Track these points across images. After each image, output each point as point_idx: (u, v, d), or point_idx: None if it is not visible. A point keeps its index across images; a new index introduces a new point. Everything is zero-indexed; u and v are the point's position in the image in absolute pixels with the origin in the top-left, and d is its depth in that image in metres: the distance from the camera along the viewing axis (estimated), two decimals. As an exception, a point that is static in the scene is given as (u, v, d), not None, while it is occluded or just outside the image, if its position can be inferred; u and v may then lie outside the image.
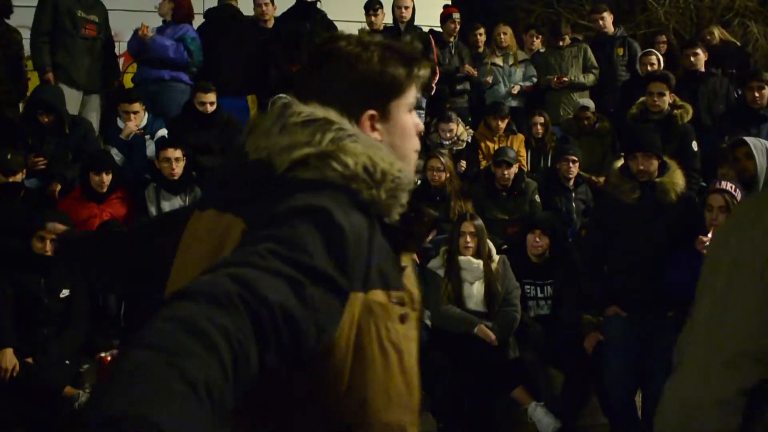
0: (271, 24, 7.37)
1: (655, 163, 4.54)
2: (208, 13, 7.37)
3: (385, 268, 1.37)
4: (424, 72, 1.53)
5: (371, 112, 1.47)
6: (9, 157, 5.37)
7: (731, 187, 4.16)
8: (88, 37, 6.64)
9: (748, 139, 4.65)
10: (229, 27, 7.06)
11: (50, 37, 6.48)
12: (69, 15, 6.52)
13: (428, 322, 4.94)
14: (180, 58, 6.78)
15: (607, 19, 8.18)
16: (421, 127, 1.58)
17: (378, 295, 1.35)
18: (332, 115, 1.39)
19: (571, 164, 6.26)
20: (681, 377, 1.80)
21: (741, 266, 1.70)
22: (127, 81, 7.54)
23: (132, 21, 8.03)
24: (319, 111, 1.40)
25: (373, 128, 1.47)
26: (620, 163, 4.71)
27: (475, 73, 7.80)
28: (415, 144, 1.55)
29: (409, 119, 1.52)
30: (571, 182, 6.32)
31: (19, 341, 4.38)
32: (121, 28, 9.01)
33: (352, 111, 1.43)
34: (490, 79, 7.78)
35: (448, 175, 5.99)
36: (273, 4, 7.45)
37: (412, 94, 1.52)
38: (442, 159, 6.02)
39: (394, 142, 1.49)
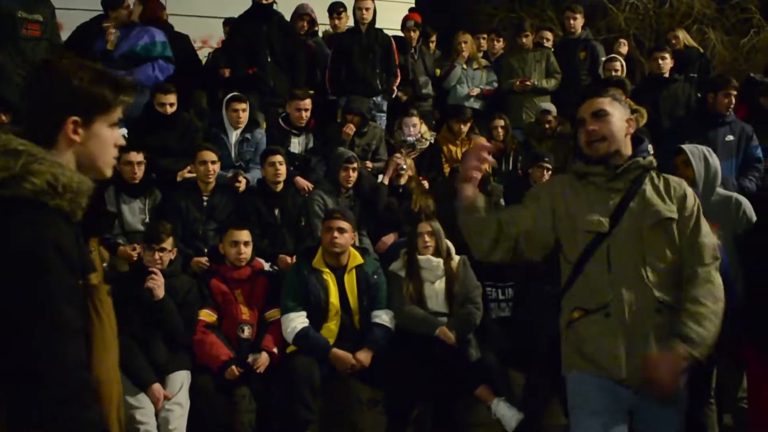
0: None
1: None
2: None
3: (83, 257, 1.84)
4: (128, 98, 1.97)
5: (74, 118, 1.86)
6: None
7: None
8: (30, 38, 6.44)
9: (685, 146, 4.73)
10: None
11: None
12: (9, 16, 6.34)
13: (389, 325, 4.94)
14: (165, 75, 6.68)
15: (579, 21, 8.24)
16: (121, 141, 2.00)
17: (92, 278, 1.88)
18: (21, 144, 1.79)
19: (545, 171, 6.28)
20: None
21: None
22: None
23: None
24: (13, 141, 1.79)
25: (75, 132, 1.88)
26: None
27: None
28: (112, 153, 1.96)
29: (110, 133, 1.94)
30: None
31: None
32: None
33: (57, 118, 1.86)
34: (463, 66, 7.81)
35: (410, 174, 6.02)
36: None
37: (116, 114, 1.95)
38: (401, 156, 6.07)
39: (91, 149, 1.91)
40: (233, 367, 4.60)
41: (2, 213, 1.73)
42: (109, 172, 1.97)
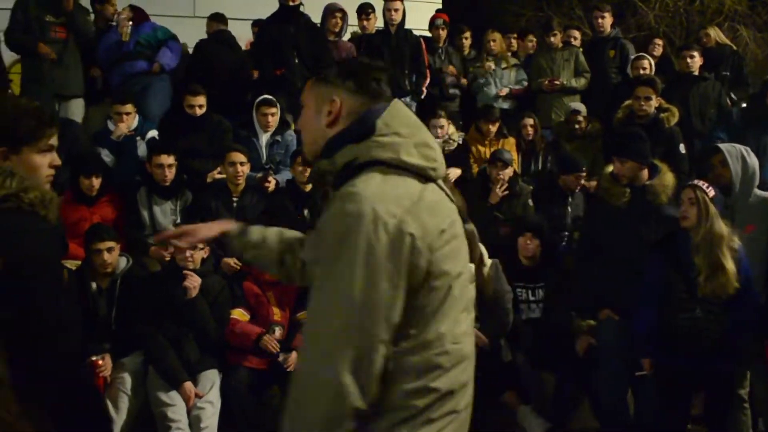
0: None
1: (633, 167, 4.55)
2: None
3: None
4: (52, 130, 2.32)
5: (2, 148, 2.25)
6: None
7: (704, 185, 4.18)
8: (58, 40, 6.56)
9: (722, 145, 4.68)
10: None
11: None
12: (36, 20, 6.49)
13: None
14: (179, 54, 6.90)
15: (607, 20, 8.17)
16: (56, 162, 2.33)
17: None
18: (11, 167, 2.19)
19: (582, 180, 6.24)
20: None
21: None
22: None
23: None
24: (5, 164, 2.17)
25: (7, 158, 2.24)
26: (612, 167, 4.72)
27: (458, 73, 7.84)
28: (45, 173, 2.32)
29: (39, 159, 2.30)
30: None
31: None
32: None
33: None
34: (491, 64, 7.77)
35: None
36: None
37: (44, 143, 2.30)
38: None
39: (25, 171, 2.23)
40: (266, 336, 4.68)
41: (10, 222, 2.13)
42: (46, 188, 2.29)
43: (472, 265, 2.20)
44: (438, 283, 1.90)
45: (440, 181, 2.02)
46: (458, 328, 1.97)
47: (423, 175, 1.91)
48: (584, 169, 6.29)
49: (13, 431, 2.06)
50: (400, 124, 1.95)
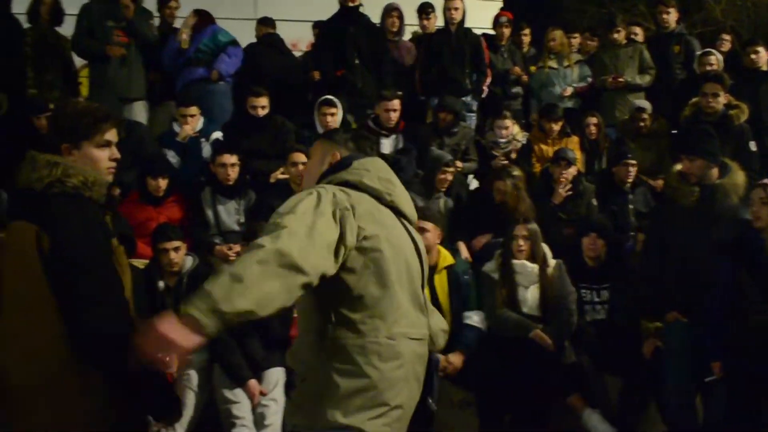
0: None
1: (702, 165, 4.44)
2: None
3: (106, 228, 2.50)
4: (108, 125, 2.51)
5: (66, 144, 2.47)
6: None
7: None
8: (121, 45, 6.73)
9: None
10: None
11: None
12: (99, 26, 6.70)
13: (481, 326, 4.91)
14: (239, 58, 6.97)
15: (672, 15, 7.99)
16: (116, 155, 2.54)
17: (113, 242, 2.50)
18: (58, 158, 2.42)
19: (630, 168, 6.19)
20: None
21: None
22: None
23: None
24: (54, 157, 2.41)
25: (70, 153, 2.46)
26: (680, 165, 4.62)
27: (522, 73, 7.79)
28: (105, 165, 2.51)
29: (97, 153, 2.50)
30: (628, 185, 6.24)
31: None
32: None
33: (56, 144, 2.47)
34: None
35: (516, 193, 5.74)
36: None
37: (101, 138, 2.50)
38: (508, 181, 5.75)
39: (87, 165, 2.46)
40: None
41: (55, 205, 2.35)
42: (108, 178, 2.54)
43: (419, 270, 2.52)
44: (375, 279, 2.31)
45: (408, 224, 2.52)
46: (396, 328, 2.34)
47: (379, 198, 2.43)
48: (630, 156, 6.23)
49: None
50: (372, 166, 2.51)
